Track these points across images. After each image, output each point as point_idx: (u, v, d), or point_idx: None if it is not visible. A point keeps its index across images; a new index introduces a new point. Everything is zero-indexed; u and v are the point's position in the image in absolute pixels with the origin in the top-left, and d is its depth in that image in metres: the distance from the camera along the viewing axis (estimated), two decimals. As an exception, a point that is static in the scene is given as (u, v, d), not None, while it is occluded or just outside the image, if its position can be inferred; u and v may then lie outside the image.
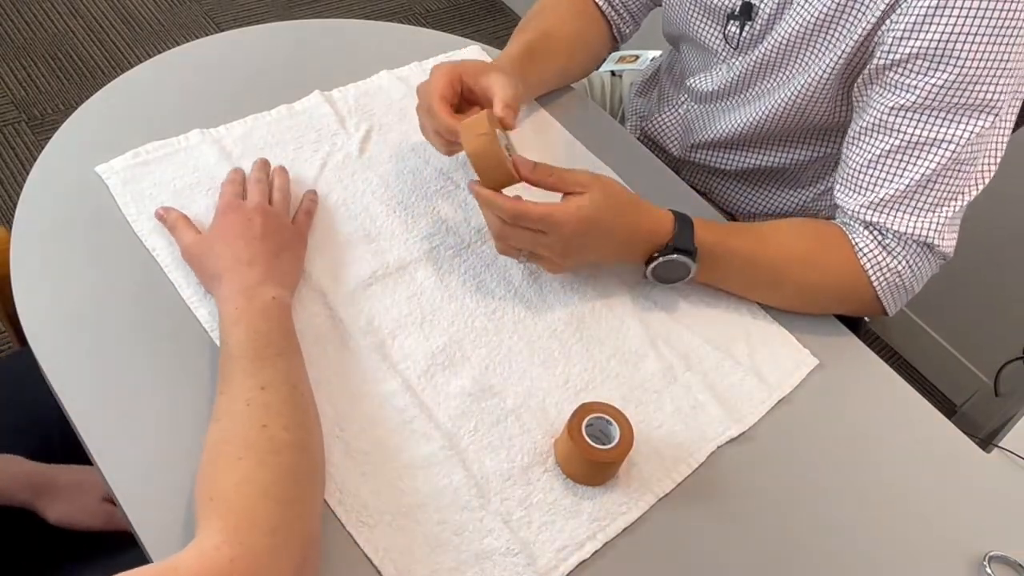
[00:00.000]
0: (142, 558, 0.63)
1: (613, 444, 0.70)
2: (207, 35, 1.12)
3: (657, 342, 0.84)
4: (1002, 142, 0.84)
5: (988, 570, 0.75)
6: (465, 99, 0.87)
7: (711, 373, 0.83)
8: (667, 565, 0.71)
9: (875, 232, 0.86)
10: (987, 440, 0.87)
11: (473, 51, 1.11)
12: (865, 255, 0.86)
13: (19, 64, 2.12)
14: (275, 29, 1.09)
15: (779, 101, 0.95)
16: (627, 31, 1.10)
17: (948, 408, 1.94)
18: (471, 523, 0.69)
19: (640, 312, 0.86)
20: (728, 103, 1.03)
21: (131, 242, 0.81)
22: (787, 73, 0.93)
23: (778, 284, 0.87)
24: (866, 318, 1.19)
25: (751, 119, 0.99)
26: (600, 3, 1.07)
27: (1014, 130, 0.86)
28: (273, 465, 0.61)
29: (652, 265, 0.83)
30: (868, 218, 0.86)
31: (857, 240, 0.87)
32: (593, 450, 0.70)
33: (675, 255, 0.81)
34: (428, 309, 0.82)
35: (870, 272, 0.86)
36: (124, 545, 0.73)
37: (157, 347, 0.75)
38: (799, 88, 0.92)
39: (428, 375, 0.78)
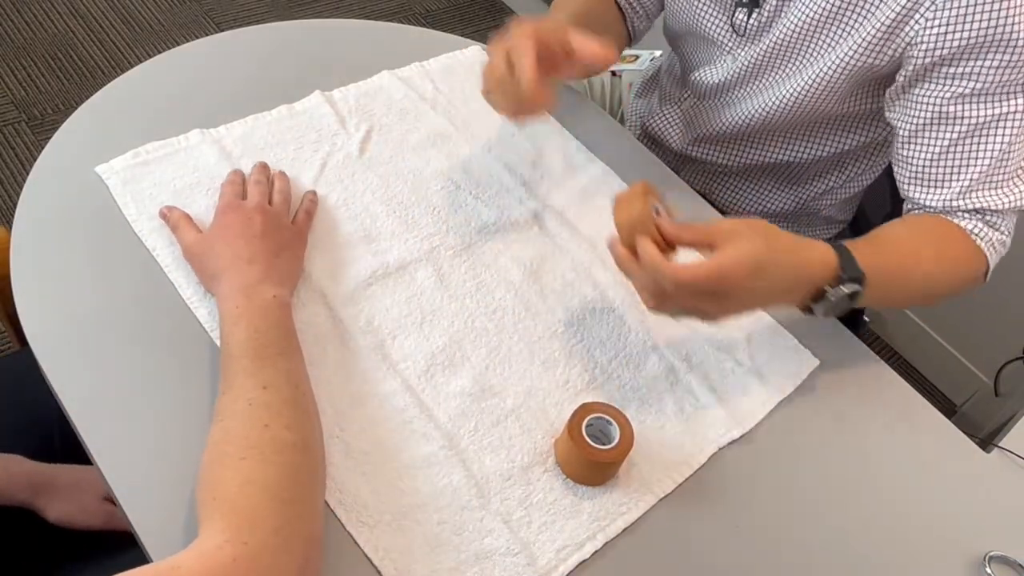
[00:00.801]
0: (142, 558, 0.63)
1: (613, 444, 0.70)
2: (207, 35, 1.12)
3: (658, 343, 0.84)
4: None
5: (988, 570, 0.75)
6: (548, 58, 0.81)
7: (712, 374, 0.83)
8: (667, 566, 0.71)
9: (975, 213, 0.87)
10: (987, 440, 0.87)
11: (474, 52, 1.11)
12: (978, 236, 0.86)
13: (19, 64, 2.12)
14: (275, 29, 1.09)
15: (788, 92, 0.94)
16: (640, 28, 1.10)
17: (948, 408, 1.94)
18: (471, 523, 0.69)
19: (641, 313, 0.86)
20: (733, 96, 1.02)
21: (131, 242, 0.81)
22: (796, 64, 0.93)
23: (926, 287, 0.86)
24: (866, 317, 1.19)
25: (758, 111, 0.99)
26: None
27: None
28: (276, 465, 0.61)
29: (826, 299, 0.75)
30: (962, 206, 0.86)
31: (965, 224, 0.86)
32: (593, 450, 0.70)
33: (853, 286, 0.75)
34: (428, 309, 0.82)
35: (986, 250, 0.86)
36: (124, 545, 0.73)
37: (157, 347, 0.75)
38: (809, 79, 0.92)
39: (428, 375, 0.78)
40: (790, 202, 1.10)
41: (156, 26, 2.29)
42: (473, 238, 0.89)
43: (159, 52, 1.06)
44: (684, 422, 0.79)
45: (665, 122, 1.13)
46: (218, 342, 0.72)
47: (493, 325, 0.82)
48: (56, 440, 0.92)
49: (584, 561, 0.69)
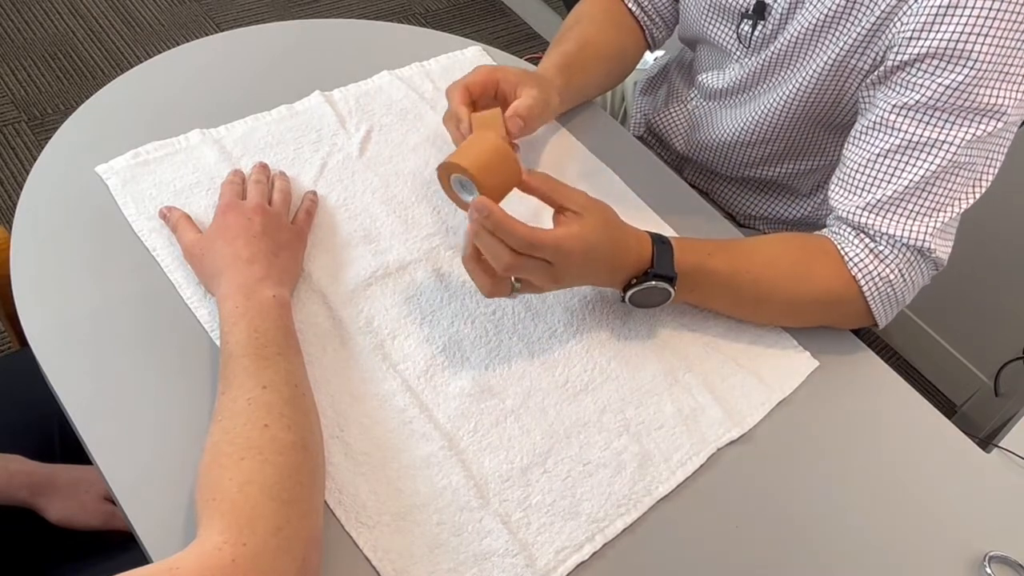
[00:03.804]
0: (142, 558, 0.63)
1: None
2: (207, 35, 1.12)
3: (658, 344, 0.84)
4: (1003, 149, 0.83)
5: (988, 570, 0.75)
6: (501, 105, 0.88)
7: (711, 375, 0.83)
8: (666, 567, 0.71)
9: (866, 238, 0.85)
10: (987, 440, 0.87)
11: (474, 51, 1.11)
12: (855, 264, 0.84)
13: (19, 64, 2.13)
14: (275, 29, 1.09)
15: (781, 97, 0.95)
16: (660, 36, 1.10)
17: (948, 408, 1.94)
18: (470, 524, 0.69)
19: (641, 313, 0.86)
20: (737, 99, 1.03)
21: (131, 242, 0.81)
22: (793, 67, 0.93)
23: (762, 301, 0.85)
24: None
25: (755, 116, 0.99)
26: (633, 9, 1.07)
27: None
28: (276, 465, 0.61)
29: (630, 292, 0.80)
30: (862, 220, 0.84)
31: (847, 249, 0.85)
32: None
33: (654, 282, 0.78)
34: (428, 309, 0.82)
35: (861, 282, 0.84)
36: (124, 545, 0.74)
37: (157, 347, 0.75)
38: (803, 80, 0.92)
39: (428, 375, 0.78)
40: (791, 212, 1.10)
41: (156, 26, 2.29)
42: (473, 238, 0.89)
43: (159, 52, 1.06)
44: (683, 422, 0.79)
45: (670, 121, 1.13)
46: (218, 342, 0.72)
47: (492, 325, 0.82)
48: (56, 440, 0.92)
49: (583, 562, 0.69)
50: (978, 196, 0.83)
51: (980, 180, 0.83)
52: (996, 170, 0.83)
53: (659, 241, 0.79)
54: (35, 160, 0.87)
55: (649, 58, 1.29)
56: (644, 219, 0.96)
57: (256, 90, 0.98)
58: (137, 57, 2.19)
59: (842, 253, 0.85)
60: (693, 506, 0.74)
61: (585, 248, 0.73)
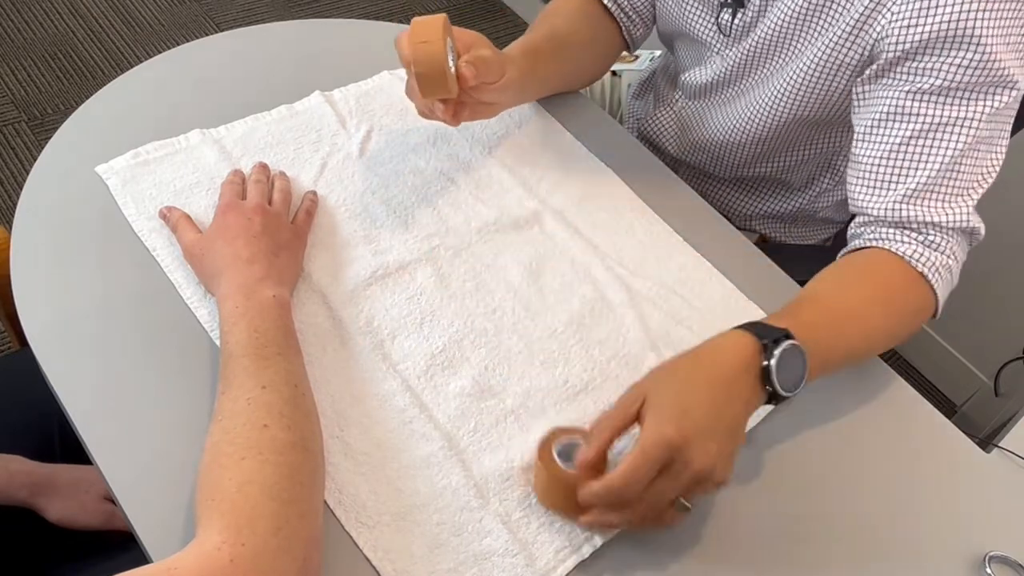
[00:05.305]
0: (142, 558, 0.63)
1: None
2: (207, 35, 1.12)
3: (657, 344, 0.84)
4: (1010, 124, 0.83)
5: (988, 570, 0.75)
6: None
7: (711, 373, 0.83)
8: (666, 567, 0.71)
9: (912, 232, 0.82)
10: (987, 440, 0.87)
11: (473, 51, 1.11)
12: (919, 261, 0.81)
13: (19, 64, 2.13)
14: (275, 29, 1.09)
15: (771, 91, 0.94)
16: (637, 34, 1.09)
17: (948, 408, 1.94)
18: (470, 524, 0.69)
19: (640, 313, 0.86)
20: (721, 96, 1.02)
21: (131, 242, 0.82)
22: (778, 62, 0.93)
23: (869, 334, 0.81)
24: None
25: (744, 112, 0.99)
26: (609, 6, 1.06)
27: (1014, 132, 0.85)
28: (276, 465, 0.61)
29: (772, 360, 0.68)
30: (902, 214, 0.82)
31: (903, 250, 0.81)
32: (563, 471, 0.67)
33: (786, 342, 0.68)
34: (428, 309, 0.82)
35: (930, 278, 0.81)
36: (124, 545, 0.74)
37: (157, 347, 0.75)
38: (790, 76, 0.91)
39: (428, 375, 0.78)
40: (786, 206, 1.10)
41: (156, 26, 2.29)
42: (473, 238, 0.89)
43: (159, 52, 1.06)
44: (684, 422, 0.79)
45: (659, 126, 1.13)
46: (218, 342, 0.72)
47: (492, 325, 0.82)
48: (56, 440, 0.92)
49: (583, 562, 0.69)
50: (997, 171, 0.83)
51: (996, 154, 0.83)
52: (1007, 144, 0.83)
53: (743, 326, 0.72)
54: (35, 160, 0.87)
55: (646, 57, 1.29)
56: (644, 218, 0.96)
57: (256, 90, 0.98)
58: (137, 57, 2.19)
59: (901, 255, 0.82)
60: (693, 506, 0.74)
61: (674, 411, 0.64)
